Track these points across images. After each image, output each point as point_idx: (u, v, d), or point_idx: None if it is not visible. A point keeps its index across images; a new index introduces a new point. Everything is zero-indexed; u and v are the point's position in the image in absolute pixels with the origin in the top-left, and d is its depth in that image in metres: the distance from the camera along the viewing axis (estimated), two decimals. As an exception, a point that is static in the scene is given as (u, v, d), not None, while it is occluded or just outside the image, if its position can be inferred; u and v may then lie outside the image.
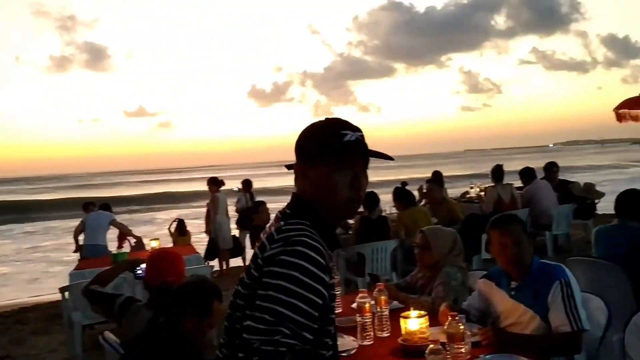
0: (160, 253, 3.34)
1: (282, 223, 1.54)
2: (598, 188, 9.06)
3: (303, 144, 1.62)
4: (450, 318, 2.29)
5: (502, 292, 2.79)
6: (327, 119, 1.65)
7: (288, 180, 2.28)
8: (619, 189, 4.07)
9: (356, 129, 1.59)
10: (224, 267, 9.58)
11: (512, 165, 9.73)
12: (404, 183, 9.92)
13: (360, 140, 1.59)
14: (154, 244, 6.96)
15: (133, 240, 8.06)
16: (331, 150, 1.54)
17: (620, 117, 9.35)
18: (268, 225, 1.63)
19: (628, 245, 3.65)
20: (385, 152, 1.60)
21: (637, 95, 9.47)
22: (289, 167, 1.66)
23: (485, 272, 3.05)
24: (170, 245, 8.96)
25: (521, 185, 8.73)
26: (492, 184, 8.30)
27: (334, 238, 1.61)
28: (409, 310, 2.57)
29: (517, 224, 2.76)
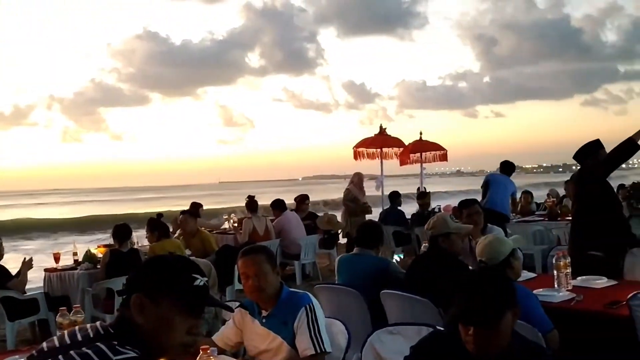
0: None
1: (114, 342, 1.43)
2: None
3: (149, 277, 1.53)
4: (202, 352, 2.26)
5: (255, 320, 2.85)
6: (177, 257, 1.63)
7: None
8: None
9: (203, 274, 1.57)
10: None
11: (265, 198, 10.12)
12: (160, 214, 9.68)
13: (207, 287, 1.56)
14: None
15: None
16: (179, 292, 1.50)
17: (356, 155, 10.38)
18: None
19: (365, 273, 3.99)
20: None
21: (372, 135, 10.64)
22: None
23: (238, 302, 3.09)
24: None
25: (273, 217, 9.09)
26: (248, 216, 8.51)
27: None
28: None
29: (262, 255, 2.80)
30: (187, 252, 6.61)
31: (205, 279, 1.59)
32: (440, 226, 3.91)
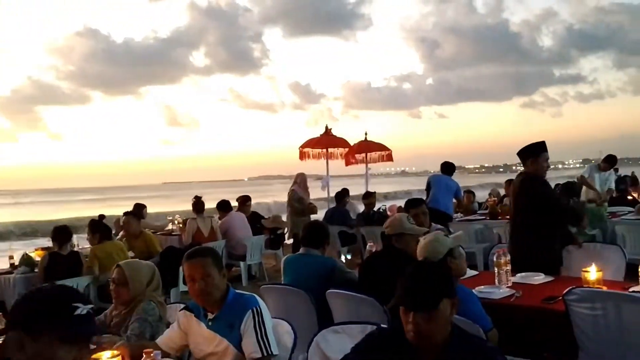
0: None
1: None
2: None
3: (26, 311, 1.45)
4: (145, 356, 2.23)
5: (201, 323, 2.81)
6: (55, 287, 1.56)
7: None
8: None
9: (87, 301, 1.51)
10: None
11: (210, 198, 10.00)
12: (102, 216, 9.46)
13: (91, 314, 1.50)
14: None
15: None
16: (58, 325, 1.44)
17: (302, 155, 10.38)
18: None
19: (311, 272, 4.00)
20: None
21: (318, 136, 10.67)
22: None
23: (184, 304, 3.04)
24: None
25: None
26: (193, 217, 8.40)
27: None
28: (102, 351, 2.42)
29: (208, 258, 2.76)
30: (130, 253, 6.47)
31: (90, 306, 1.52)
32: (396, 226, 3.95)
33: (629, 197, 9.97)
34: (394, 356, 2.10)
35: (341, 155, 10.79)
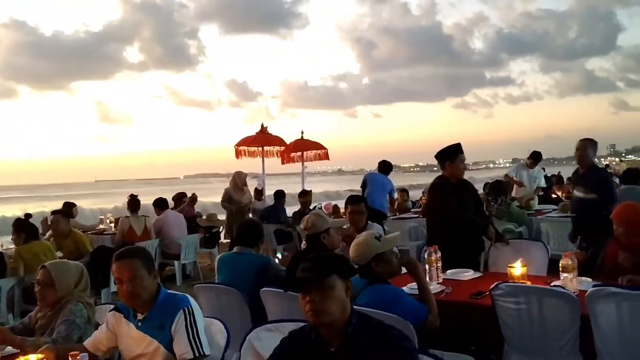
0: None
1: None
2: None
3: None
4: (71, 359, 2.17)
5: (130, 324, 2.76)
6: None
7: None
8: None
9: None
10: None
11: (145, 197, 9.79)
12: (28, 215, 9.12)
13: None
14: None
15: None
16: None
17: (238, 153, 10.31)
18: None
19: (246, 271, 3.98)
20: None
21: (254, 134, 10.63)
22: None
23: (113, 305, 2.97)
24: None
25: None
26: (126, 215, 8.22)
27: None
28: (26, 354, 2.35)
29: (137, 259, 2.71)
30: (59, 254, 6.27)
31: None
32: (321, 223, 3.99)
33: (554, 196, 10.43)
34: (306, 353, 2.18)
35: (277, 153, 10.79)
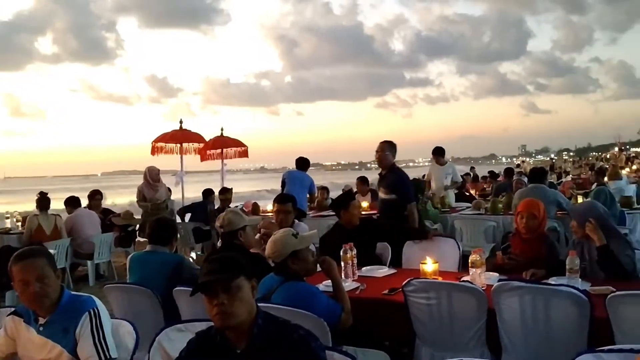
0: None
1: None
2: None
3: None
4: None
5: (31, 328, 2.62)
6: None
7: None
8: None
9: None
10: None
11: (60, 194, 9.38)
12: None
13: None
14: None
15: None
16: None
17: (154, 150, 10.05)
18: None
19: (159, 270, 3.89)
20: None
21: (171, 131, 10.39)
22: None
23: (13, 309, 2.82)
24: None
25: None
26: (35, 213, 7.85)
27: None
28: None
29: (42, 258, 2.59)
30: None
31: None
32: (237, 221, 3.95)
33: (467, 194, 10.82)
34: (212, 355, 2.15)
35: (196, 150, 10.60)
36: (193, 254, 4.46)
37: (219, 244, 4.75)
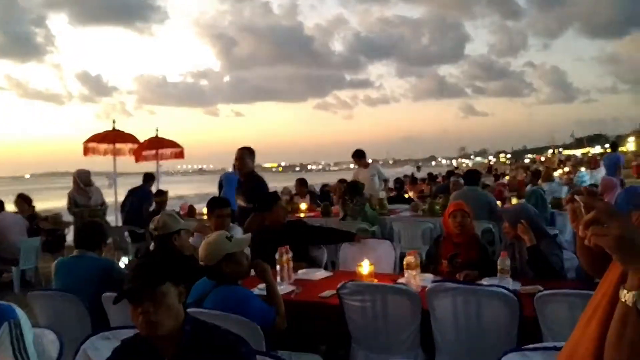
0: None
1: None
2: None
3: None
4: None
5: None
6: None
7: None
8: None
9: None
10: None
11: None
12: None
13: None
14: None
15: None
16: None
17: (87, 151, 9.72)
18: None
19: (86, 276, 3.74)
20: None
21: (103, 131, 10.09)
22: None
23: None
24: None
25: None
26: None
27: None
28: None
29: None
30: None
31: None
32: (172, 224, 3.85)
33: (406, 196, 10.96)
34: None
35: (130, 151, 10.34)
36: (125, 259, 4.29)
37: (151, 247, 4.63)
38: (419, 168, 21.60)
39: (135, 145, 10.35)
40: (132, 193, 9.52)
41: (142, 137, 10.51)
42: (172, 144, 10.76)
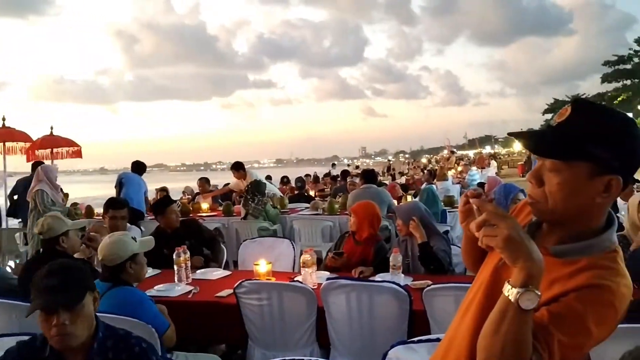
0: None
1: None
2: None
3: None
4: None
5: None
6: None
7: None
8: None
9: None
10: None
11: None
12: None
13: None
14: None
15: None
16: None
17: None
18: None
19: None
20: None
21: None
22: None
23: None
24: None
25: None
26: None
27: None
28: None
29: None
30: None
31: None
32: (58, 226, 3.72)
33: (307, 195, 11.09)
34: None
35: (22, 150, 9.78)
36: (11, 262, 4.07)
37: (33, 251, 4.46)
38: (334, 165, 22.66)
39: (28, 144, 9.81)
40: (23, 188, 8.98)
41: (35, 136, 9.98)
42: (68, 142, 10.26)
